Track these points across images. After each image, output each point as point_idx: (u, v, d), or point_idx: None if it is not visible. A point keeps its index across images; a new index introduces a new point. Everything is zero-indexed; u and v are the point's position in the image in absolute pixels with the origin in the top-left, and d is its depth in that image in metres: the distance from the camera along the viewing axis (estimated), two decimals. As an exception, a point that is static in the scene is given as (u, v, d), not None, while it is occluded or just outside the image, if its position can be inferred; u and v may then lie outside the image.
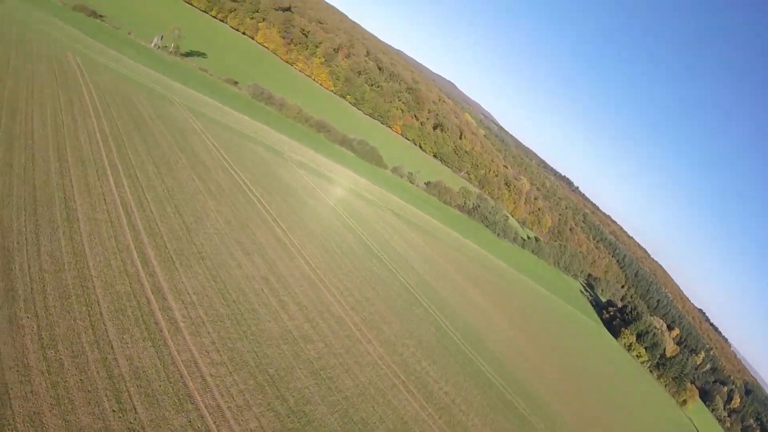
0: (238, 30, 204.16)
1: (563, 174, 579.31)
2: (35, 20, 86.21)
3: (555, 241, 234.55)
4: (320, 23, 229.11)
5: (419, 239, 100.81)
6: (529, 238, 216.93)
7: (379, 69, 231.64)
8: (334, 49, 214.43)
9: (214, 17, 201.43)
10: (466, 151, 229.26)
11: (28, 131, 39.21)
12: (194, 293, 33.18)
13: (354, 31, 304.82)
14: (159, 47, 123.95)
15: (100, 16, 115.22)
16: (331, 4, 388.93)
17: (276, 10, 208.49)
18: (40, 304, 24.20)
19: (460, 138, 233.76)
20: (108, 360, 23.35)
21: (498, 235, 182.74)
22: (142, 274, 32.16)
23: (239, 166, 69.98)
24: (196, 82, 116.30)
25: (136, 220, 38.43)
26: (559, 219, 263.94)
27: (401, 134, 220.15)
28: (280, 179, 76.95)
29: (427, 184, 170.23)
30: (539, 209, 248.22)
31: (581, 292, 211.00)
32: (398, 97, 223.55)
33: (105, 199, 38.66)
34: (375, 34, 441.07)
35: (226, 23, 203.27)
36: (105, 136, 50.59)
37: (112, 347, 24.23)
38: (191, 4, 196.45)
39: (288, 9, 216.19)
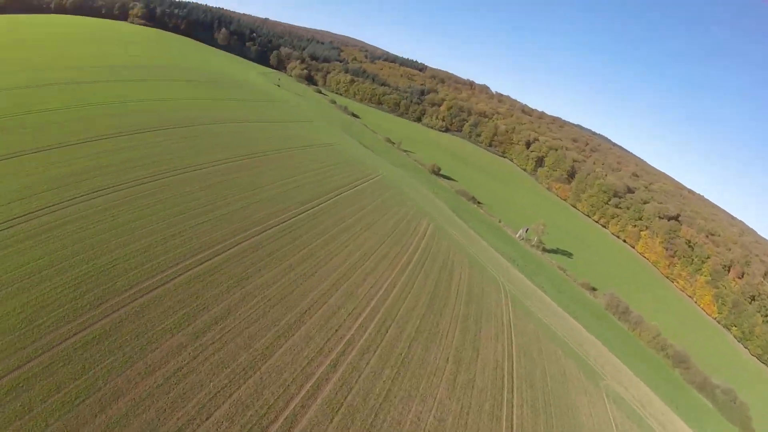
0: (618, 236, 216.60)
1: None
2: (416, 192, 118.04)
3: None
4: (711, 235, 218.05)
5: None
6: None
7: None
8: (724, 266, 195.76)
9: (596, 222, 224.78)
10: None
11: (321, 261, 52.85)
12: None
13: (754, 246, 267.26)
14: (523, 239, 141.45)
15: (479, 202, 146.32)
16: (734, 214, 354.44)
17: (661, 218, 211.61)
18: (203, 362, 31.23)
19: None
20: (181, 429, 28.96)
21: None
22: (294, 403, 35.04)
23: (520, 372, 65.71)
24: (544, 278, 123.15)
25: (342, 364, 42.76)
26: None
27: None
28: (567, 407, 66.10)
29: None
30: None
31: None
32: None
33: (335, 334, 45.57)
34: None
35: (606, 228, 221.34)
36: (391, 287, 60.54)
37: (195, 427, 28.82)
38: (576, 208, 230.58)
39: (675, 218, 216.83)
